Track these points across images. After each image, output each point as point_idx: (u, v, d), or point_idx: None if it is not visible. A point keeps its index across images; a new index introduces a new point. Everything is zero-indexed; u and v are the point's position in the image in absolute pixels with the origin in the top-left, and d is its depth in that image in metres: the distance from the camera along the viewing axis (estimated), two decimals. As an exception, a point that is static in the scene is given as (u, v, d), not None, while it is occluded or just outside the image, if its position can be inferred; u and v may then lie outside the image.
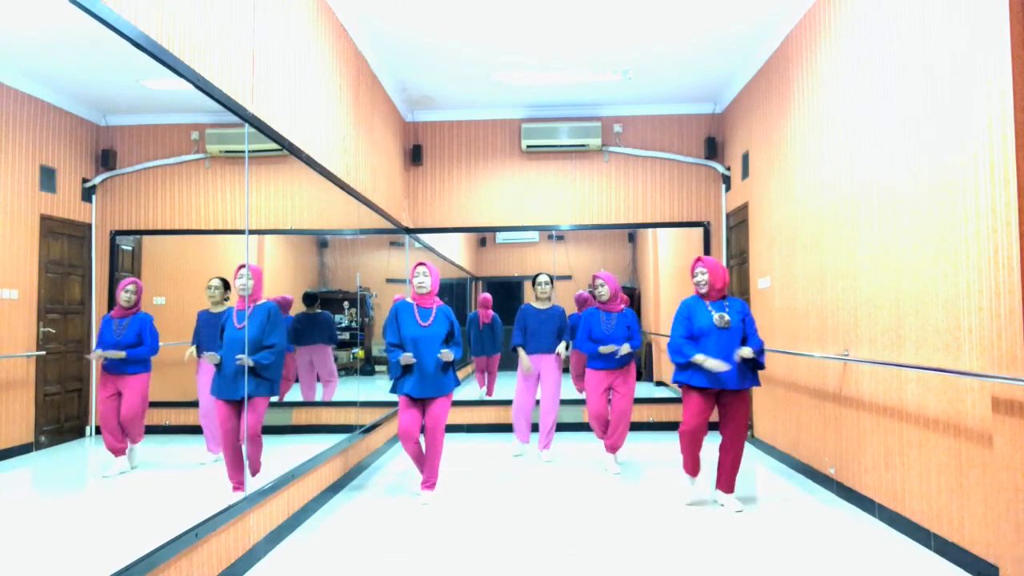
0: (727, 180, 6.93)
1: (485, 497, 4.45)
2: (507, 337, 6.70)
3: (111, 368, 2.62)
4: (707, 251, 7.01)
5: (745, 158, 6.31)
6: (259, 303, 3.46)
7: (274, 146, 3.69)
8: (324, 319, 4.95)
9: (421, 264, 4.41)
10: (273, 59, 3.69)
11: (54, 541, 2.31)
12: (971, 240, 3.04)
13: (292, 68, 3.97)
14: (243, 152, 3.33)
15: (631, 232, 7.60)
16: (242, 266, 3.34)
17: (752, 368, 4.10)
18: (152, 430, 3.08)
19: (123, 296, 2.59)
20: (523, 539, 3.61)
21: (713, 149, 7.02)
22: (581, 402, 6.96)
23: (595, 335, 5.11)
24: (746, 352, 3.99)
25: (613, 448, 5.17)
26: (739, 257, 6.60)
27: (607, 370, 5.12)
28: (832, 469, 4.45)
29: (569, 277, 7.42)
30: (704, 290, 4.18)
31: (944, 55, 3.23)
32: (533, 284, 5.66)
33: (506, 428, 6.95)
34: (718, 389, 4.08)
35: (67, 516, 2.47)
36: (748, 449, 6.04)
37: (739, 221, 6.57)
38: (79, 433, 2.53)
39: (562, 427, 6.82)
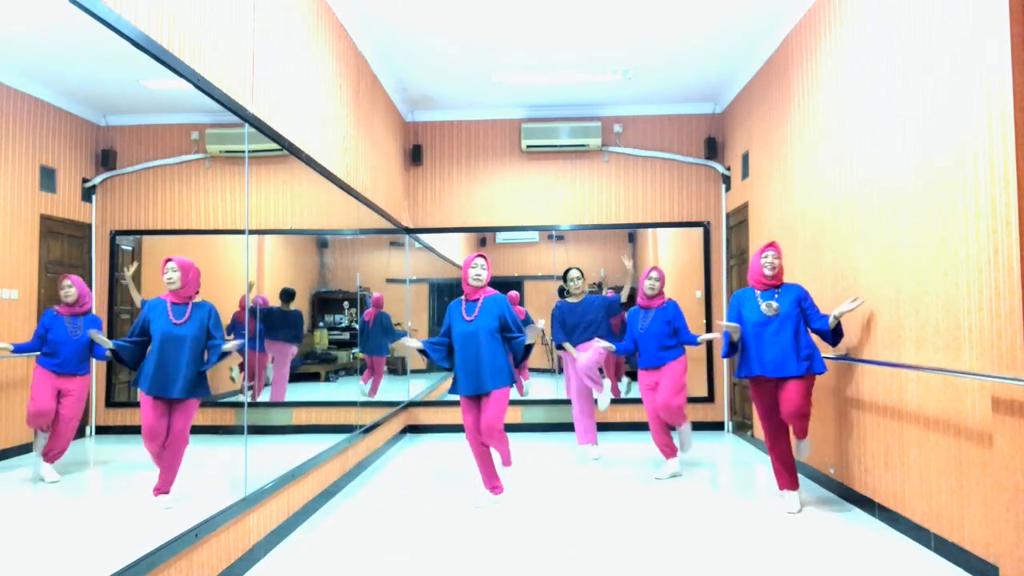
0: (727, 180, 6.93)
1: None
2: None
3: (62, 368, 2.49)
4: (707, 251, 7.00)
5: (745, 158, 6.31)
6: (197, 302, 3.27)
7: (274, 146, 3.69)
8: (294, 317, 4.85)
9: (480, 256, 4.29)
10: (273, 59, 3.69)
11: (54, 541, 2.31)
12: (971, 240, 3.04)
13: (292, 68, 3.97)
14: (243, 152, 3.33)
15: (631, 232, 7.59)
16: (167, 260, 3.18)
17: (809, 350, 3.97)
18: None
19: (62, 293, 2.49)
20: (524, 539, 3.61)
21: (713, 149, 7.02)
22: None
23: (634, 332, 5.08)
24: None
25: (674, 425, 5.02)
26: (739, 257, 6.60)
27: (648, 368, 5.02)
28: (832, 469, 4.45)
29: (569, 277, 7.41)
30: (771, 272, 4.10)
31: (944, 55, 3.23)
32: (564, 280, 5.66)
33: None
34: (774, 379, 4.00)
35: (67, 516, 2.47)
36: (748, 449, 6.04)
37: (739, 221, 6.57)
38: (79, 433, 2.53)
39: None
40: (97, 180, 2.50)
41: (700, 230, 7.06)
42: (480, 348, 4.14)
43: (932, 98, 3.33)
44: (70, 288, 2.48)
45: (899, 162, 3.63)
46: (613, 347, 5.11)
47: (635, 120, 7.19)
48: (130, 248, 2.73)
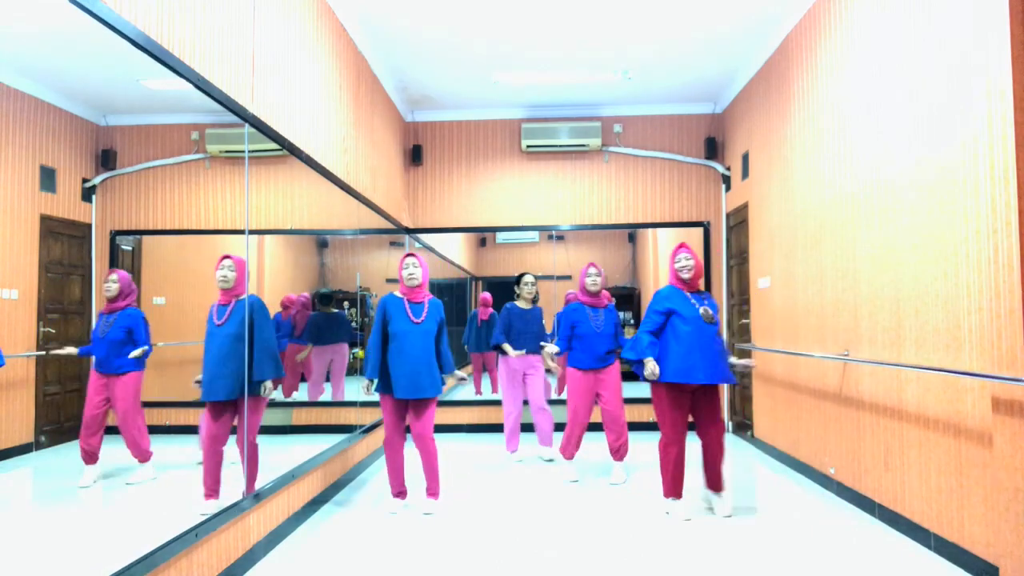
0: (727, 180, 6.93)
1: (485, 497, 4.45)
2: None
3: (101, 367, 2.49)
4: (707, 251, 7.01)
5: (745, 158, 6.31)
6: (240, 298, 3.28)
7: (274, 146, 3.69)
8: (341, 318, 4.96)
9: (410, 255, 4.18)
10: (273, 59, 3.69)
11: (55, 541, 2.31)
12: (971, 240, 3.04)
13: (292, 68, 3.97)
14: (243, 152, 3.33)
15: (631, 232, 7.60)
16: (225, 256, 3.17)
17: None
18: (153, 430, 3.07)
19: (104, 286, 2.44)
20: (521, 540, 3.62)
21: (713, 149, 7.02)
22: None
23: (581, 331, 4.80)
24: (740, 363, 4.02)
25: (620, 454, 4.81)
26: (739, 257, 6.60)
27: (592, 370, 4.79)
28: (832, 469, 4.45)
29: (569, 277, 7.41)
30: (688, 275, 3.95)
31: (944, 55, 3.23)
32: (519, 284, 5.58)
33: (500, 428, 6.94)
34: (693, 386, 3.87)
35: (67, 516, 2.47)
36: (748, 449, 6.04)
37: (739, 221, 6.57)
38: (79, 433, 2.53)
39: (561, 427, 6.81)
40: (97, 180, 2.49)
41: (700, 230, 7.06)
42: (424, 351, 4.07)
43: (932, 98, 3.33)
44: (113, 284, 2.49)
45: (899, 162, 3.63)
46: (557, 348, 5.02)
47: (635, 120, 7.19)
48: (130, 248, 2.73)
